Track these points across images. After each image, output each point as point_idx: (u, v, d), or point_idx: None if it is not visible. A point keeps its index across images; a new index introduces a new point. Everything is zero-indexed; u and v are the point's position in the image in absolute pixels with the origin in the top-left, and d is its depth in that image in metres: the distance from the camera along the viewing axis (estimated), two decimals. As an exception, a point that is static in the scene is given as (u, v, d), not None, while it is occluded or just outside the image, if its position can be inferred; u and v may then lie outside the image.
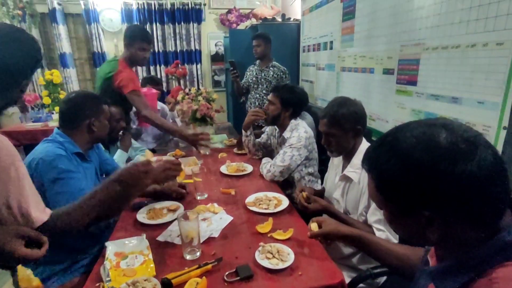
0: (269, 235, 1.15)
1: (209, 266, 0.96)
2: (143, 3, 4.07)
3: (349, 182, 1.29)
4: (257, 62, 2.96)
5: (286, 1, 4.11)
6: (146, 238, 1.10)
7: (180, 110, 2.30)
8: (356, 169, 1.25)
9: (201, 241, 1.09)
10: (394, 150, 0.51)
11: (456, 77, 1.32)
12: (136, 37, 2.02)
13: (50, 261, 1.15)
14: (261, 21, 3.62)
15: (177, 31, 4.26)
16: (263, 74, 2.88)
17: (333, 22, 2.57)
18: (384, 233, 1.13)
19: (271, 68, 2.87)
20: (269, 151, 2.10)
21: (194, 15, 4.23)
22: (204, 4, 4.30)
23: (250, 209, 1.34)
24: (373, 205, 1.17)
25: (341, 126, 1.23)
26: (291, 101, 1.79)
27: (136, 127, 2.51)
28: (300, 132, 1.74)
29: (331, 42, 2.65)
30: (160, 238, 1.16)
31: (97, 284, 0.93)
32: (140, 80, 2.87)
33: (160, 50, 4.27)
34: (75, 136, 1.26)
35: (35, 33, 3.86)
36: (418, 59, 1.55)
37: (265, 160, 1.84)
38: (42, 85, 3.44)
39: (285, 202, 1.39)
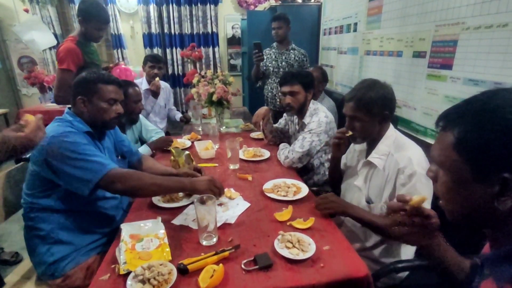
0: (288, 224, 1.10)
1: (226, 253, 0.92)
2: (160, -17, 3.98)
3: (372, 169, 1.21)
4: (275, 44, 2.83)
5: (307, -19, 3.92)
6: (161, 221, 1.07)
7: (196, 93, 2.25)
8: (381, 155, 1.17)
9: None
10: (487, 107, 0.48)
11: (501, 60, 1.19)
12: (92, 15, 1.91)
13: (66, 240, 1.15)
14: (280, 2, 3.48)
15: (193, 12, 4.15)
16: (283, 57, 2.75)
17: (358, 2, 2.42)
18: None
19: (291, 51, 2.75)
20: (287, 137, 2.03)
21: (211, -4, 4.11)
22: (222, -15, 4.17)
23: (268, 195, 1.29)
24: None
25: (368, 111, 1.13)
26: (311, 82, 1.74)
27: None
28: (320, 116, 1.66)
29: (355, 24, 2.50)
30: (176, 221, 1.13)
31: (113, 266, 0.91)
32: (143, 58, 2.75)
33: (176, 32, 4.19)
34: (80, 115, 1.20)
35: (52, 13, 3.85)
36: (455, 40, 1.42)
37: (282, 145, 1.77)
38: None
39: (304, 190, 1.33)
